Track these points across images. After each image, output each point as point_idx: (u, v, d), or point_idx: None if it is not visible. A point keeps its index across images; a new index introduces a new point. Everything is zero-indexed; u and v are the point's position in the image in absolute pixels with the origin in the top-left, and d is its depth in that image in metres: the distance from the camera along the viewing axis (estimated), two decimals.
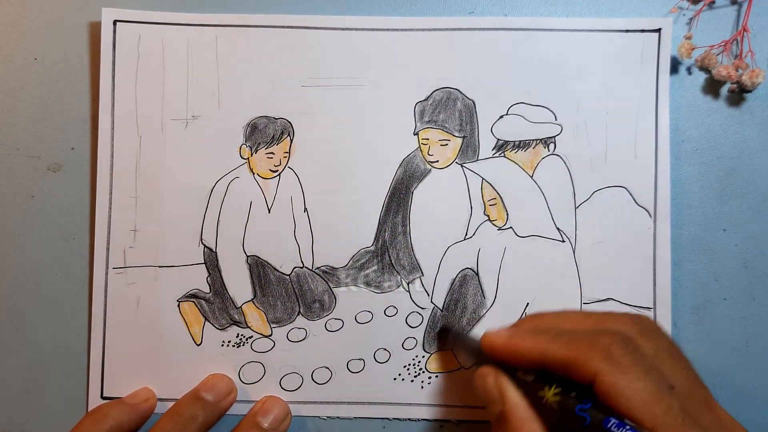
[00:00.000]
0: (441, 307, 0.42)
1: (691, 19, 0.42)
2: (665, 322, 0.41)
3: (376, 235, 0.42)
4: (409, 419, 0.41)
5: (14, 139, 0.43)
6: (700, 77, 0.42)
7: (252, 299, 0.42)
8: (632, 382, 0.28)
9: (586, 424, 0.28)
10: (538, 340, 0.31)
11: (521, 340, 0.32)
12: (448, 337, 0.41)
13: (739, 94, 0.42)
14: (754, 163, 0.42)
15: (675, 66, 0.42)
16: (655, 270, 0.41)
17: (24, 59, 0.43)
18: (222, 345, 0.42)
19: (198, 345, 0.42)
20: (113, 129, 0.42)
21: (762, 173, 0.42)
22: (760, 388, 0.41)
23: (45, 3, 0.43)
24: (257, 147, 0.42)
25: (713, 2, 0.42)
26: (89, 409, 0.41)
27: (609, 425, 0.27)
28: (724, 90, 0.42)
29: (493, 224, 0.42)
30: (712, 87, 0.42)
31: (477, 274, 0.41)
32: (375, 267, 0.42)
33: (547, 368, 0.31)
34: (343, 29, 0.42)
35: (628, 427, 0.27)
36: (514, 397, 0.31)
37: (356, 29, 0.42)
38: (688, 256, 0.42)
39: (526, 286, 0.41)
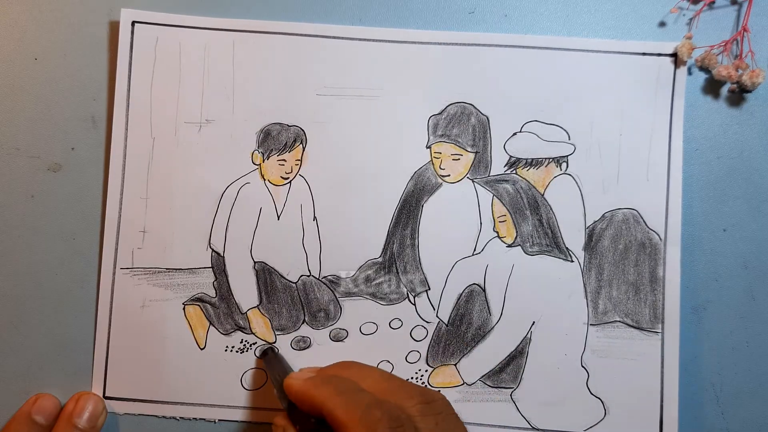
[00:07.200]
0: (446, 322, 0.41)
1: (691, 19, 0.42)
2: (673, 347, 0.40)
3: (385, 246, 0.42)
4: None
5: (14, 139, 0.43)
6: (700, 77, 0.42)
7: (257, 305, 0.42)
8: None
9: None
10: (327, 391, 0.33)
11: (313, 387, 0.33)
12: (266, 357, 0.41)
13: (739, 94, 0.42)
14: (754, 163, 0.42)
15: None
16: (664, 294, 0.41)
17: (24, 59, 0.43)
18: (226, 350, 0.42)
19: (202, 349, 0.42)
20: (127, 129, 0.42)
21: (762, 173, 0.42)
22: (761, 388, 0.41)
23: (45, 3, 0.43)
24: (269, 153, 0.42)
25: (713, 2, 0.42)
26: None
27: None
28: (724, 90, 0.42)
29: (502, 241, 0.42)
30: (712, 87, 0.42)
31: (484, 290, 0.41)
32: (382, 279, 0.42)
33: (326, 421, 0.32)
34: (360, 39, 0.42)
35: None
36: None
37: (373, 40, 0.42)
38: (688, 256, 0.41)
39: (532, 305, 0.41)
